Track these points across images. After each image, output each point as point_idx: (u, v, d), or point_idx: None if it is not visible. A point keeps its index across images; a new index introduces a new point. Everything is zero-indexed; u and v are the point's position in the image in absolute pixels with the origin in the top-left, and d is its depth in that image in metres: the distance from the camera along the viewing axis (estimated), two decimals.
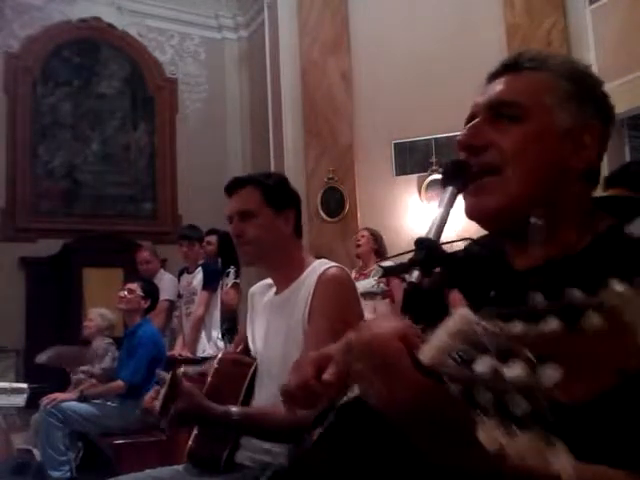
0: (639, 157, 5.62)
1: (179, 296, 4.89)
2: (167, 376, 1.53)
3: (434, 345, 0.50)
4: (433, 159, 6.18)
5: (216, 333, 4.64)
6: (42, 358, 4.23)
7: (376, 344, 0.57)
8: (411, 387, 0.53)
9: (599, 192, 0.93)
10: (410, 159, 6.36)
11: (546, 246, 0.83)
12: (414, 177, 6.34)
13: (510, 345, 0.43)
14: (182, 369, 1.57)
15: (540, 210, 0.84)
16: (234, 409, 1.55)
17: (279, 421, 1.44)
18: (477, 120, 0.88)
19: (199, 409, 1.51)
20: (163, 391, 1.52)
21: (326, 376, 0.89)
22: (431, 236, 0.82)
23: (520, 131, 0.84)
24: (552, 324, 0.42)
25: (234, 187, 1.74)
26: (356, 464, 0.73)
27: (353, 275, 4.18)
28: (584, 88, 0.87)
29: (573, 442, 0.41)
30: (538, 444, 0.40)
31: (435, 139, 6.16)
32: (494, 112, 0.87)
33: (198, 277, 4.68)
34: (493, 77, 0.92)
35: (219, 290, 4.75)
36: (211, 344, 4.58)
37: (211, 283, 4.64)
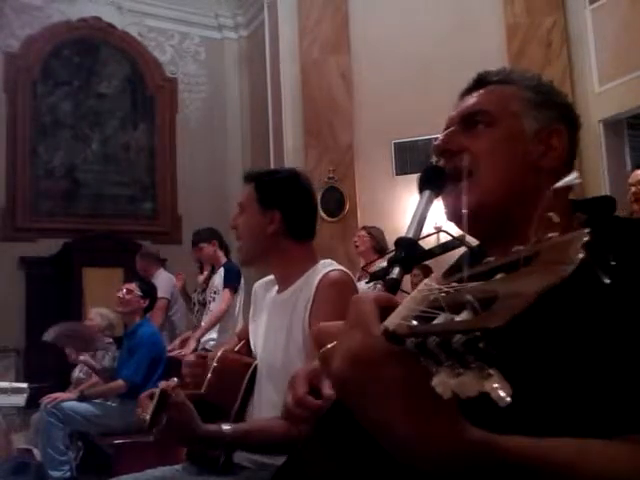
0: (639, 157, 5.62)
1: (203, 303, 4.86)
2: (156, 390, 1.50)
3: (400, 313, 0.53)
4: (433, 159, 6.17)
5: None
6: (49, 335, 4.09)
7: (355, 307, 0.59)
8: (393, 362, 0.54)
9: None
10: (410, 159, 6.35)
11: (520, 243, 0.85)
12: (414, 177, 6.24)
13: (461, 299, 0.49)
14: (174, 380, 1.54)
15: (516, 208, 0.88)
16: (226, 427, 1.51)
17: (275, 436, 1.42)
18: (452, 128, 0.97)
19: (189, 429, 1.47)
20: (152, 406, 1.49)
21: (327, 390, 0.92)
22: (410, 235, 0.87)
23: (490, 135, 0.92)
24: (497, 275, 0.50)
25: (249, 178, 1.75)
26: (351, 458, 0.73)
27: (357, 274, 4.16)
28: (547, 97, 0.95)
29: (508, 366, 0.47)
30: (478, 378, 0.45)
31: (435, 139, 6.13)
32: (467, 121, 0.95)
33: (219, 275, 4.64)
34: (464, 94, 1.01)
35: (240, 293, 4.70)
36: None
37: (232, 281, 4.58)
